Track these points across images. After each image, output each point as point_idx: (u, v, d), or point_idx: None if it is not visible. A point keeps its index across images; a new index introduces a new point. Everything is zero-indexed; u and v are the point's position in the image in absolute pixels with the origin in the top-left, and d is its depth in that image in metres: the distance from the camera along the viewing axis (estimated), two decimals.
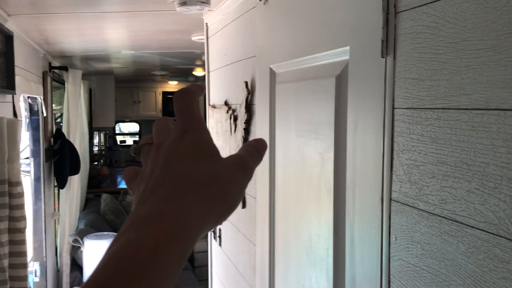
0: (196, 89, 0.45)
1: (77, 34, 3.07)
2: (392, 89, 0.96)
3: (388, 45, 0.97)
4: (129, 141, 9.51)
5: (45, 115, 3.59)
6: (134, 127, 9.65)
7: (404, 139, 0.93)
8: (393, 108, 0.96)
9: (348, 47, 1.12)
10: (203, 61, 5.30)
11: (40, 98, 3.46)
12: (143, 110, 8.82)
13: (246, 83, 1.90)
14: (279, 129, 1.59)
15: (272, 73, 1.63)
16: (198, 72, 6.81)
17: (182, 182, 0.36)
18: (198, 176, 0.37)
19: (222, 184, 0.38)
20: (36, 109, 3.53)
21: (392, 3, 0.95)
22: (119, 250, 0.31)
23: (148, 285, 0.30)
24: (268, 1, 1.65)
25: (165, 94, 8.83)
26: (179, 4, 2.06)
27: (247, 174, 0.40)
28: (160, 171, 0.37)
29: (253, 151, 0.43)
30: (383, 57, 0.98)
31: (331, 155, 1.22)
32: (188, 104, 0.43)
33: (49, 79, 3.86)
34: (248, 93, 1.88)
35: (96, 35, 3.16)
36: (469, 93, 0.76)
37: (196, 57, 5.02)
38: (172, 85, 8.78)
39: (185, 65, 5.94)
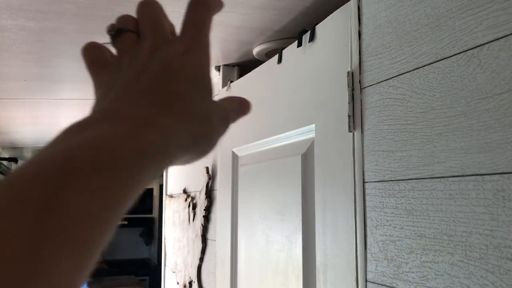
0: (215, 3, 0.37)
1: (31, 123, 2.99)
2: (361, 163, 0.94)
3: (355, 119, 0.96)
4: None
5: None
6: None
7: (378, 214, 0.89)
8: (364, 182, 0.94)
9: (313, 125, 1.12)
10: None
11: None
12: None
13: (207, 168, 1.85)
14: (242, 214, 1.52)
15: (235, 157, 1.60)
16: None
17: (177, 102, 0.31)
18: (195, 106, 0.32)
19: (211, 127, 0.33)
20: None
21: (357, 79, 0.97)
22: (98, 139, 0.25)
23: (121, 186, 0.24)
24: (231, 86, 1.67)
25: None
26: None
27: (224, 133, 0.36)
28: (153, 79, 0.31)
29: (235, 115, 0.38)
30: (350, 132, 0.97)
31: (299, 237, 1.15)
32: (202, 20, 0.35)
33: None
34: (209, 179, 1.83)
35: (51, 124, 3.08)
36: (443, 161, 0.75)
37: None
38: None
39: None
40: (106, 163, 0.24)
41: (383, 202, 0.88)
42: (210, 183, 1.84)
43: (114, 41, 0.36)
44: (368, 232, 0.91)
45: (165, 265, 2.54)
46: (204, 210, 1.84)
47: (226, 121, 0.36)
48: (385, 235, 0.86)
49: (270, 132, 1.35)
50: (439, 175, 0.75)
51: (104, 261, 8.36)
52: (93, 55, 0.35)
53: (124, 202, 0.25)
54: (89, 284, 6.88)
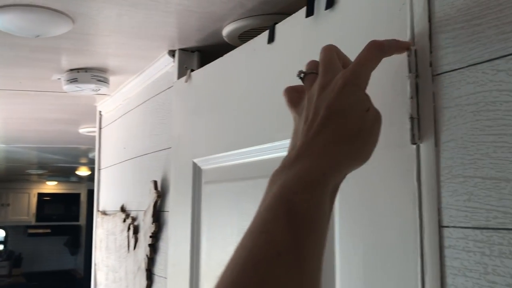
0: (390, 48, 0.57)
1: None
2: (436, 194, 0.58)
3: (422, 124, 0.60)
4: None
5: None
6: None
7: (472, 283, 0.53)
8: (440, 226, 0.58)
9: None
10: (90, 159, 4.67)
11: None
12: (12, 215, 7.64)
13: (155, 183, 1.42)
14: (207, 249, 1.12)
15: (197, 170, 1.20)
16: (82, 171, 6.11)
17: (335, 133, 0.49)
18: (348, 131, 0.49)
19: (364, 138, 0.51)
20: None
21: (426, 60, 0.61)
22: (299, 174, 0.47)
23: (321, 195, 0.46)
24: (192, 78, 1.27)
25: (41, 195, 7.80)
26: (68, 81, 1.60)
27: (377, 135, 0.53)
28: (322, 119, 0.50)
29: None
30: (414, 144, 0.61)
31: None
32: (370, 59, 0.53)
33: None
34: (158, 197, 1.40)
35: None
36: None
37: (81, 154, 4.43)
38: (51, 186, 7.82)
39: (67, 163, 5.24)
40: (310, 185, 0.46)
41: (486, 265, 0.52)
42: (159, 202, 1.41)
43: (303, 82, 0.58)
44: None
45: None
46: (151, 237, 1.42)
47: (380, 121, 0.54)
48: None
49: (255, 140, 0.96)
50: None
51: (22, 274, 7.50)
52: (291, 94, 0.59)
53: (326, 206, 0.46)
54: None
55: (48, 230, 8.10)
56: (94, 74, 1.57)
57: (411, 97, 0.61)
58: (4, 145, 3.54)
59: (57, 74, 1.62)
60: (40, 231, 8.03)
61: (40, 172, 6.28)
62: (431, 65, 0.60)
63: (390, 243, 0.63)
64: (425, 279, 0.58)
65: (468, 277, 0.54)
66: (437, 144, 0.59)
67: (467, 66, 0.56)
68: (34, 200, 7.77)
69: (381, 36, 0.66)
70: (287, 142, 0.85)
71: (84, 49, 1.39)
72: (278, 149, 0.90)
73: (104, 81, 1.61)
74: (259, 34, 1.00)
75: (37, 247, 8.01)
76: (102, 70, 1.59)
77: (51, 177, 7.37)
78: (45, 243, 8.07)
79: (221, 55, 1.15)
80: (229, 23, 1.20)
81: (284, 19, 0.95)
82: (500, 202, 0.52)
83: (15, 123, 2.66)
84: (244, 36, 1.23)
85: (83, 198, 8.04)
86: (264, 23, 1.14)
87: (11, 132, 2.97)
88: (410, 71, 0.62)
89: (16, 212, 7.64)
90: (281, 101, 0.88)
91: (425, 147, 0.60)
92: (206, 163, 1.17)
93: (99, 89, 1.62)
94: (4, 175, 6.55)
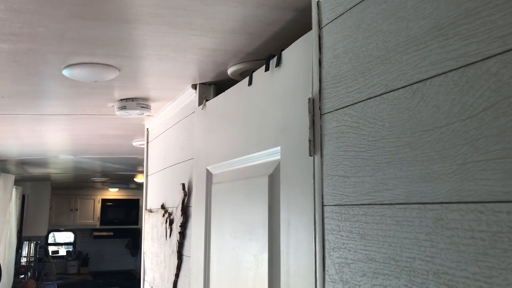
0: None
1: (13, 137, 2.99)
2: (321, 186, 0.97)
3: (315, 144, 1.00)
4: (62, 251, 8.91)
5: None
6: (68, 236, 9.11)
7: (335, 237, 0.92)
8: (323, 205, 0.97)
9: (279, 147, 1.15)
10: None
11: None
12: (80, 219, 8.43)
13: (183, 185, 1.87)
14: (214, 231, 1.54)
15: (209, 174, 1.63)
16: (139, 178, 6.72)
17: None
18: None
19: None
20: None
21: (317, 105, 1.00)
22: None
23: None
24: (206, 106, 1.70)
25: (104, 201, 8.55)
26: (119, 108, 2.08)
27: None
28: None
29: None
30: (311, 156, 1.00)
31: (265, 257, 1.18)
32: None
33: None
34: (185, 195, 1.85)
35: (33, 138, 3.08)
36: (391, 188, 0.78)
37: (138, 162, 4.98)
38: (113, 192, 8.56)
39: (127, 171, 5.86)
40: None
41: (339, 226, 0.91)
42: (186, 199, 1.86)
43: None
44: (326, 254, 0.94)
45: (144, 279, 2.55)
46: (180, 226, 1.86)
47: None
48: (341, 257, 0.90)
49: (242, 152, 1.38)
50: (388, 202, 0.79)
51: (89, 273, 8.29)
52: None
53: None
54: None
55: (111, 233, 8.83)
56: (139, 102, 2.04)
57: (310, 128, 1.01)
58: (73, 157, 4.16)
59: (111, 103, 2.12)
60: (104, 233, 8.76)
61: (103, 179, 6.98)
62: (320, 108, 1.00)
63: (302, 215, 1.03)
64: (316, 237, 0.97)
65: (333, 234, 0.93)
66: (322, 156, 0.98)
67: (333, 111, 0.95)
68: (98, 206, 8.52)
69: (303, 84, 1.06)
70: (260, 154, 1.27)
71: (130, 86, 1.86)
72: (254, 159, 1.31)
73: (147, 107, 2.08)
74: (253, 72, 1.41)
75: (102, 248, 8.78)
76: (145, 99, 2.06)
77: (113, 184, 8.09)
78: (108, 245, 8.82)
79: (230, 86, 1.57)
80: (231, 66, 1.62)
81: (263, 63, 1.36)
82: (344, 190, 0.90)
83: (82, 139, 3.22)
84: (243, 73, 1.65)
85: (142, 203, 8.70)
86: (253, 66, 1.56)
87: (79, 146, 3.55)
88: (309, 112, 1.01)
89: (83, 216, 8.43)
90: (257, 123, 1.29)
91: (316, 158, 0.99)
92: (215, 169, 1.60)
93: (143, 113, 2.10)
94: (73, 183, 7.34)
